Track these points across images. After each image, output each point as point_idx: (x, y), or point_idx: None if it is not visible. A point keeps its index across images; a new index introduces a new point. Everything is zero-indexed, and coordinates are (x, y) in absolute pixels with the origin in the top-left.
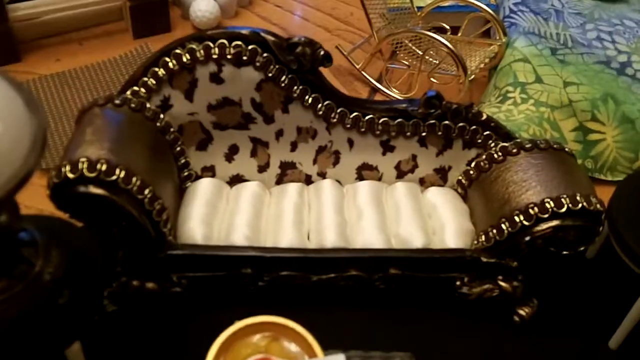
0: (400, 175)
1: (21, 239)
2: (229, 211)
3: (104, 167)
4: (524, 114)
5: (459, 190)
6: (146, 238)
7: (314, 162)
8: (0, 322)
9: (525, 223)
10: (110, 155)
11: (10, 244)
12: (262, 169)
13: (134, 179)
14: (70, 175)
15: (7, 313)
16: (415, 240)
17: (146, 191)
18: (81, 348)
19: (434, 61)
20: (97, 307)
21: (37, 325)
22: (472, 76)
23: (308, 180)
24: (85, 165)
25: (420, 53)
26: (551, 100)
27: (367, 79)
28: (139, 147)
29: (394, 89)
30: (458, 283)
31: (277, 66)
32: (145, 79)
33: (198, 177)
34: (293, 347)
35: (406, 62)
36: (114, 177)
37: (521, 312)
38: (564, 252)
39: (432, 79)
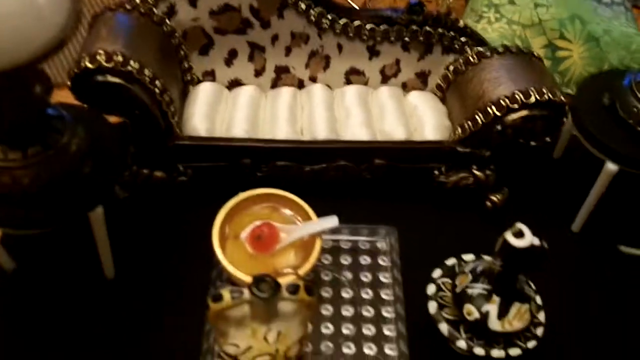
0: (385, 79)
1: (50, 114)
2: (228, 111)
3: (120, 59)
4: (497, 31)
5: (438, 94)
6: (156, 127)
7: (306, 66)
8: (34, 182)
9: (497, 113)
10: (124, 50)
11: (43, 114)
12: (259, 73)
13: (146, 71)
14: (90, 66)
15: (39, 175)
16: (397, 134)
17: (157, 82)
18: (103, 212)
19: None
20: (116, 179)
21: (65, 188)
22: None
23: (300, 85)
24: (103, 57)
25: None
26: (523, 19)
27: None
28: (149, 47)
29: None
30: (436, 172)
31: None
32: None
33: (199, 82)
34: (291, 214)
35: None
36: (129, 68)
37: (493, 198)
38: (532, 143)
39: None
